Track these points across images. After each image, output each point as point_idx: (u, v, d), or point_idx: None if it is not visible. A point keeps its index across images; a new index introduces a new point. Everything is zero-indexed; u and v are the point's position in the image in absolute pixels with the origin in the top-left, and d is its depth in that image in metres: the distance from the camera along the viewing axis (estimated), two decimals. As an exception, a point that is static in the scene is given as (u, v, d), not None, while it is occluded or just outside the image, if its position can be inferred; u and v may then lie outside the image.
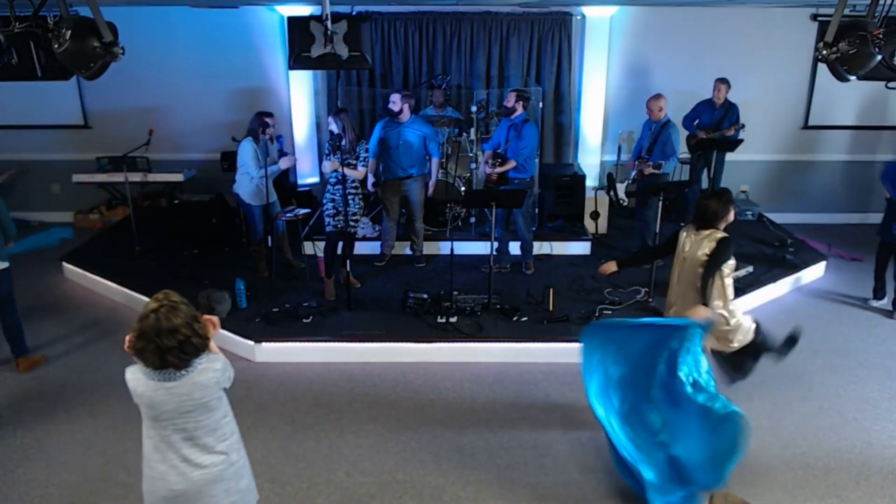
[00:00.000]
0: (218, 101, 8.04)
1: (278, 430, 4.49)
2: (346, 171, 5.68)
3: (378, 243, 6.84)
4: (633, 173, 6.65)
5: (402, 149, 6.23)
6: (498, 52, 7.77)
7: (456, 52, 7.77)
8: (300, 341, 5.41)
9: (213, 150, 7.85)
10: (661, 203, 5.85)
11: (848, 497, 3.87)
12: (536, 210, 7.39)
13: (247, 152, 5.97)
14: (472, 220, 7.13)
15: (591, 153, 8.04)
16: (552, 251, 7.08)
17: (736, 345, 4.35)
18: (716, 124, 7.38)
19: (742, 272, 6.30)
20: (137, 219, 7.18)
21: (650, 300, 5.88)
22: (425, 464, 4.15)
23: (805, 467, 4.10)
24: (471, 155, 7.10)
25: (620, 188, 7.97)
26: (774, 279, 6.41)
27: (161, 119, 7.95)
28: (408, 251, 6.84)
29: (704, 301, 3.97)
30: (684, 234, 4.24)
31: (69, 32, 3.52)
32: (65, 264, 6.97)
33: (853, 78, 3.75)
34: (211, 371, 2.57)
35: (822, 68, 4.28)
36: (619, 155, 8.03)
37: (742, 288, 5.98)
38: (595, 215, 7.49)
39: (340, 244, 5.96)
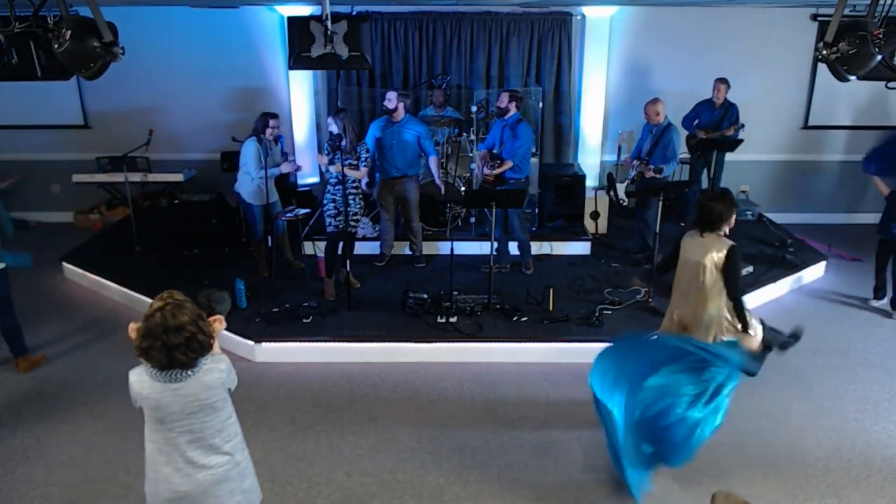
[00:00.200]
0: (218, 101, 8.04)
1: (278, 430, 4.49)
2: (348, 171, 5.68)
3: (378, 243, 6.85)
4: (633, 173, 6.64)
5: (397, 148, 6.24)
6: (498, 52, 7.77)
7: (456, 52, 7.77)
8: (300, 341, 5.41)
9: (213, 150, 7.85)
10: (660, 203, 5.84)
11: (848, 497, 3.87)
12: (536, 210, 7.40)
13: (249, 152, 5.97)
14: (472, 220, 7.14)
15: (591, 153, 8.05)
16: (552, 251, 7.08)
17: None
18: (715, 124, 7.38)
19: (742, 272, 6.29)
20: (137, 219, 7.18)
21: (650, 300, 5.88)
22: (425, 464, 4.15)
23: (805, 467, 4.10)
24: (471, 155, 7.11)
25: (620, 188, 7.97)
26: (774, 279, 6.41)
27: (161, 119, 7.95)
28: (407, 251, 6.84)
29: (744, 327, 3.93)
30: (685, 237, 4.21)
31: (69, 32, 3.52)
32: (65, 264, 6.97)
33: (853, 78, 3.75)
34: (216, 371, 2.58)
35: (822, 68, 4.28)
36: (619, 155, 8.03)
37: (742, 288, 5.96)
38: (595, 215, 7.49)
39: (341, 244, 5.96)
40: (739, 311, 3.99)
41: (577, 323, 5.54)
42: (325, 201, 5.89)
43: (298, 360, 5.34)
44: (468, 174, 7.11)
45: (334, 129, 5.63)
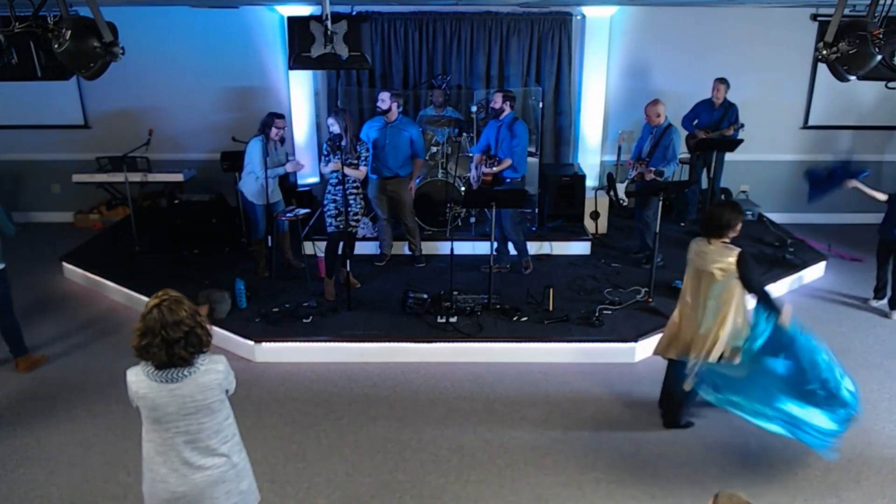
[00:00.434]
0: (218, 101, 8.04)
1: (278, 430, 4.49)
2: (348, 170, 5.68)
3: (377, 243, 6.85)
4: (633, 173, 6.64)
5: (389, 149, 6.24)
6: (498, 52, 7.77)
7: (456, 52, 7.77)
8: (300, 341, 5.41)
9: (213, 150, 7.85)
10: (660, 203, 5.84)
11: (848, 497, 3.87)
12: (536, 210, 7.40)
13: (255, 151, 5.98)
14: (472, 220, 7.13)
15: (591, 153, 8.05)
16: (552, 251, 7.08)
17: None
18: (715, 124, 7.38)
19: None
20: (137, 219, 7.19)
21: (650, 300, 5.88)
22: (425, 464, 4.15)
23: (805, 467, 4.10)
24: (471, 155, 7.10)
25: (620, 188, 7.97)
26: (774, 279, 6.40)
27: (161, 119, 7.95)
28: (407, 251, 6.84)
29: (777, 312, 3.96)
30: (693, 243, 4.21)
31: (69, 32, 3.51)
32: (65, 264, 6.97)
33: (853, 78, 3.75)
34: (213, 372, 2.58)
35: (822, 68, 4.27)
36: (619, 155, 8.03)
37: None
38: (595, 215, 7.49)
39: (341, 244, 5.96)
40: (766, 300, 4.01)
41: (577, 323, 5.53)
42: (325, 201, 5.89)
43: (298, 360, 5.34)
44: (468, 174, 7.11)
45: (336, 128, 5.63)
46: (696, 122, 7.50)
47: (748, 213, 8.01)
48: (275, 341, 5.39)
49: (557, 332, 5.44)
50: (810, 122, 8.23)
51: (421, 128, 7.32)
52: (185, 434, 2.56)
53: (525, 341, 5.36)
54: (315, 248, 6.69)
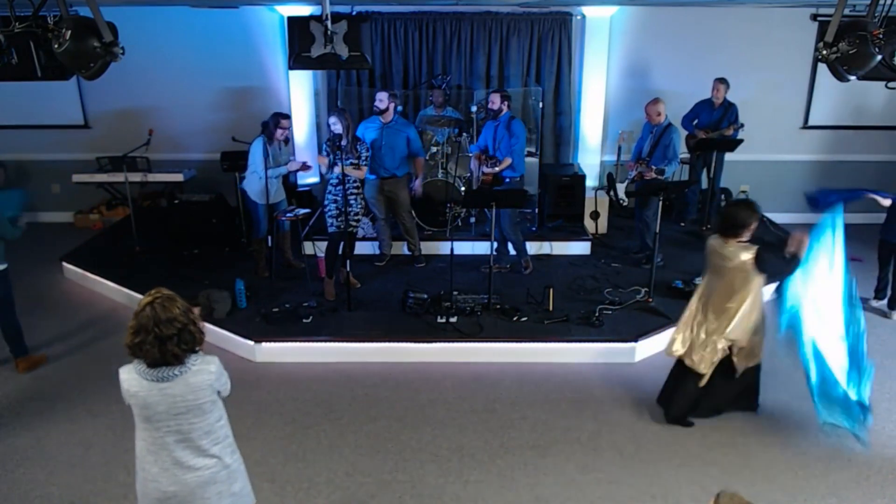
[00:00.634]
0: (218, 101, 8.04)
1: (278, 430, 4.49)
2: (349, 170, 5.68)
3: (378, 243, 6.85)
4: (633, 174, 6.64)
5: (386, 149, 6.24)
6: (498, 52, 7.77)
7: (456, 52, 7.77)
8: (300, 341, 5.41)
9: (213, 150, 7.85)
10: (660, 203, 5.84)
11: (848, 497, 3.87)
12: (536, 210, 7.40)
13: (257, 151, 5.98)
14: (472, 220, 7.14)
15: (591, 153, 8.05)
16: (552, 251, 7.08)
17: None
18: (715, 124, 7.38)
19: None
20: (137, 219, 7.19)
21: (650, 300, 5.88)
22: (425, 464, 4.15)
23: (805, 467, 4.10)
24: (470, 155, 7.10)
25: (620, 188, 7.98)
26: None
27: (161, 119, 7.95)
28: (407, 251, 6.84)
29: (796, 257, 4.10)
30: (710, 241, 4.26)
31: (69, 32, 3.51)
32: (65, 264, 6.97)
33: (853, 78, 3.75)
34: (205, 373, 2.57)
35: (822, 68, 4.27)
36: (619, 155, 8.03)
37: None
38: (595, 215, 7.49)
39: (341, 244, 5.96)
40: (794, 267, 4.12)
41: (577, 323, 5.54)
42: (326, 202, 5.89)
43: (298, 360, 5.34)
44: (468, 174, 7.12)
45: (339, 127, 5.63)
46: (695, 122, 7.50)
47: (748, 213, 8.02)
48: (275, 341, 5.38)
49: (557, 332, 5.45)
50: (810, 122, 8.23)
51: (421, 128, 7.34)
52: (175, 433, 2.56)
53: (525, 341, 5.36)
54: (315, 248, 6.70)
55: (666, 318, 5.60)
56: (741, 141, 7.32)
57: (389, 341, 5.37)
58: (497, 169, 6.28)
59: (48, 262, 6.99)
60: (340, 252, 5.96)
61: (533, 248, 6.86)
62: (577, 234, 7.22)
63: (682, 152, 7.23)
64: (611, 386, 5.00)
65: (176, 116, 8.05)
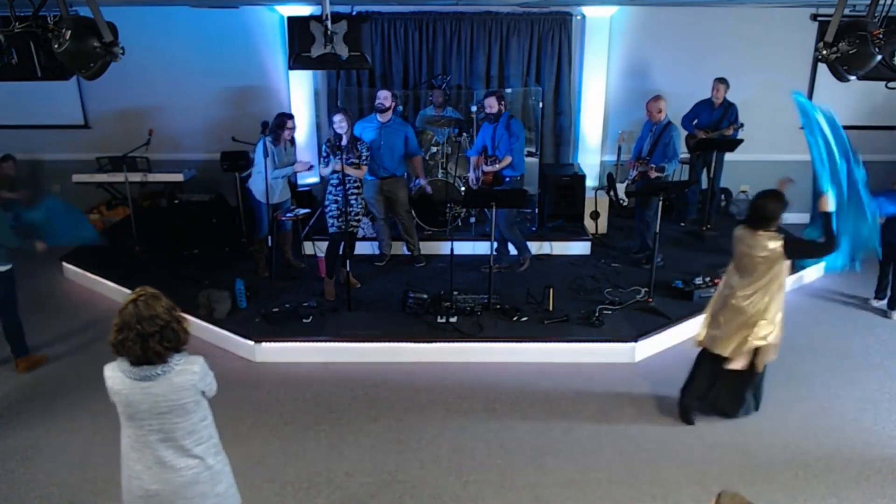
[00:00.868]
0: (218, 101, 8.04)
1: (278, 430, 4.49)
2: (349, 169, 5.68)
3: (378, 243, 6.85)
4: (633, 174, 6.64)
5: (385, 149, 6.24)
6: (498, 52, 7.77)
7: (456, 52, 7.77)
8: (300, 341, 5.41)
9: (213, 150, 7.84)
10: (661, 203, 5.84)
11: (848, 497, 3.87)
12: (536, 210, 7.40)
13: (260, 151, 5.98)
14: (472, 220, 7.14)
15: (591, 153, 8.05)
16: (552, 251, 7.08)
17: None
18: (714, 124, 7.38)
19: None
20: (137, 219, 7.19)
21: (650, 300, 5.88)
22: (425, 464, 4.15)
23: (805, 467, 4.10)
24: (469, 157, 7.10)
25: (620, 188, 7.98)
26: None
27: (161, 119, 7.95)
28: (406, 251, 6.84)
29: (830, 239, 4.18)
30: (737, 232, 4.28)
31: (69, 32, 3.52)
32: (65, 264, 6.97)
33: (853, 78, 3.75)
34: (189, 373, 2.56)
35: (822, 68, 4.28)
36: (619, 155, 8.03)
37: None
38: (595, 215, 7.49)
39: (342, 244, 5.96)
40: (827, 230, 4.20)
41: (577, 323, 5.53)
42: (326, 202, 5.89)
43: (298, 360, 5.34)
44: (468, 174, 7.12)
45: (345, 125, 5.64)
46: (695, 122, 7.50)
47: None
48: (275, 341, 5.38)
49: (557, 332, 5.44)
50: (810, 122, 8.21)
51: (421, 128, 7.34)
52: (158, 433, 2.56)
53: (525, 341, 5.36)
54: (315, 248, 6.70)
55: (666, 318, 5.61)
56: (741, 141, 7.32)
57: (389, 341, 5.37)
58: (498, 167, 6.28)
59: (48, 262, 6.98)
60: (340, 252, 5.96)
61: (533, 248, 6.86)
62: (577, 234, 7.22)
63: (682, 152, 7.23)
64: (611, 386, 4.99)
65: (176, 116, 8.05)
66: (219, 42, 7.82)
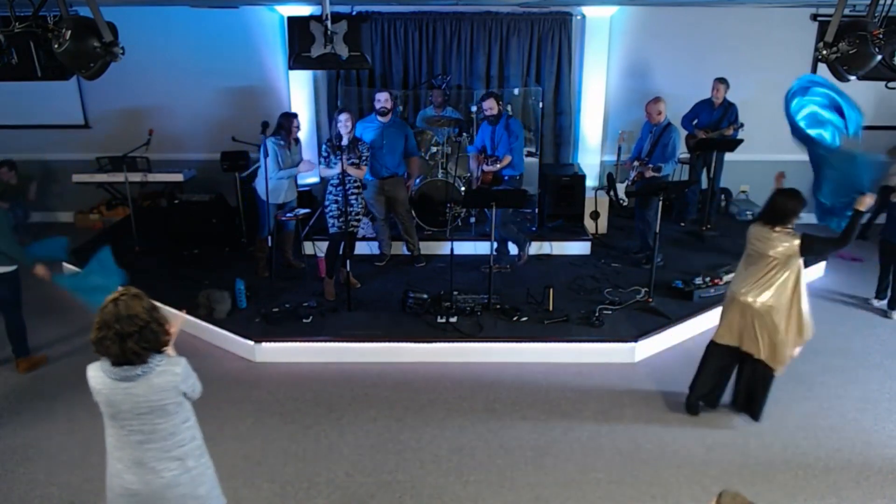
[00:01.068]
0: (218, 101, 8.04)
1: (278, 430, 4.49)
2: (350, 169, 5.68)
3: (378, 243, 6.85)
4: (633, 174, 6.64)
5: (387, 149, 6.24)
6: (498, 52, 7.77)
7: (456, 52, 7.77)
8: (300, 341, 5.41)
9: (213, 150, 7.83)
10: (661, 203, 5.84)
11: (848, 497, 3.87)
12: (536, 210, 7.39)
13: (263, 151, 5.98)
14: (472, 220, 7.14)
15: (591, 153, 8.05)
16: (552, 251, 7.08)
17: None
18: (714, 124, 7.38)
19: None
20: (137, 219, 7.19)
21: (650, 300, 5.88)
22: (425, 464, 4.15)
23: (805, 467, 4.10)
24: (469, 155, 7.10)
25: (620, 188, 7.98)
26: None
27: (161, 119, 7.95)
28: (406, 251, 6.84)
29: (847, 236, 4.15)
30: (753, 228, 4.29)
31: (69, 32, 3.52)
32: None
33: (853, 78, 3.76)
34: (170, 374, 2.56)
35: (823, 68, 4.28)
36: (619, 155, 8.03)
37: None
38: (595, 215, 7.49)
39: (342, 244, 5.96)
40: (849, 227, 4.16)
41: (577, 323, 5.53)
42: (327, 202, 5.89)
43: (298, 360, 5.34)
44: (468, 174, 7.12)
45: (350, 124, 5.64)
46: (695, 122, 7.50)
47: (748, 213, 8.02)
48: (275, 341, 5.38)
49: (557, 332, 5.44)
50: (810, 122, 8.21)
51: (421, 128, 7.34)
52: (139, 433, 2.56)
53: (525, 341, 5.36)
54: (315, 248, 6.69)
55: (666, 319, 5.61)
56: (741, 141, 7.31)
57: (389, 341, 5.37)
58: (498, 167, 6.29)
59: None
60: (340, 252, 5.96)
61: (533, 248, 6.86)
62: (577, 234, 7.22)
63: (682, 152, 7.24)
64: (611, 386, 5.00)
65: (176, 116, 8.05)
66: (219, 42, 7.82)
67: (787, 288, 4.20)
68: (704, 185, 7.74)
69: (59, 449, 4.30)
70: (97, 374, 2.54)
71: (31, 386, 5.03)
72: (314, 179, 8.03)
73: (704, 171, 7.66)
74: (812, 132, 4.26)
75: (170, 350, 2.68)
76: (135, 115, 8.01)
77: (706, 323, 5.67)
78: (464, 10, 7.59)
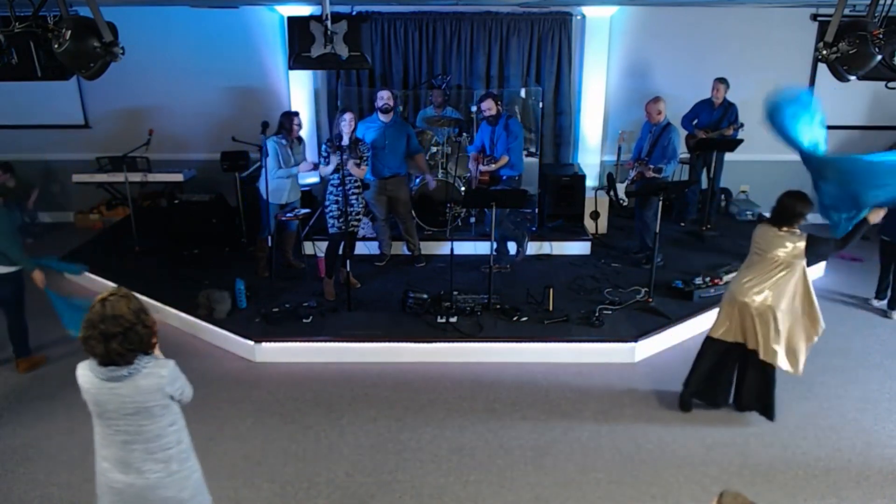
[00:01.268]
0: (218, 101, 8.04)
1: (278, 430, 4.49)
2: (351, 169, 5.68)
3: (378, 243, 6.85)
4: (633, 174, 6.64)
5: (389, 148, 6.24)
6: (498, 52, 7.77)
7: (456, 52, 7.77)
8: (300, 341, 5.40)
9: (213, 150, 7.83)
10: (660, 203, 5.84)
11: (848, 497, 3.87)
12: (536, 210, 7.39)
13: (270, 151, 5.99)
14: (472, 220, 7.14)
15: (591, 153, 8.05)
16: (552, 251, 7.08)
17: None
18: (714, 124, 7.38)
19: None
20: (137, 219, 7.19)
21: (650, 300, 5.88)
22: (425, 464, 4.15)
23: (805, 467, 4.10)
24: (469, 155, 7.10)
25: (620, 188, 7.98)
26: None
27: (161, 119, 7.95)
28: (406, 251, 6.84)
29: (848, 237, 4.16)
30: (760, 228, 4.31)
31: (69, 32, 3.52)
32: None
33: (853, 78, 3.76)
34: (156, 376, 2.55)
35: (822, 68, 4.29)
36: (619, 155, 8.03)
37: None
38: (595, 215, 7.49)
39: (342, 244, 5.96)
40: (853, 233, 4.16)
41: (577, 323, 5.53)
42: (327, 202, 5.89)
43: (298, 360, 5.34)
44: (468, 174, 7.12)
45: (354, 123, 5.64)
46: (695, 122, 7.50)
47: (748, 213, 8.03)
48: (275, 341, 5.38)
49: (557, 332, 5.44)
50: (810, 122, 8.21)
51: (421, 127, 7.34)
52: (124, 433, 2.56)
53: (525, 341, 5.36)
54: (315, 248, 6.69)
55: (666, 319, 5.61)
56: (741, 141, 7.31)
57: (389, 341, 5.37)
58: (493, 167, 6.29)
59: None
60: (340, 252, 5.96)
61: (533, 248, 6.86)
62: (577, 234, 7.22)
63: (682, 152, 7.23)
64: (611, 386, 5.00)
65: (176, 116, 8.05)
66: (219, 42, 7.82)
67: (790, 287, 4.19)
68: (704, 185, 7.74)
69: (59, 449, 4.30)
70: (85, 372, 2.56)
71: (31, 386, 5.03)
72: (314, 179, 8.03)
73: (704, 171, 7.67)
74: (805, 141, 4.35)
75: (157, 352, 2.68)
76: (135, 115, 8.01)
77: (706, 323, 5.63)
78: (464, 10, 7.59)
